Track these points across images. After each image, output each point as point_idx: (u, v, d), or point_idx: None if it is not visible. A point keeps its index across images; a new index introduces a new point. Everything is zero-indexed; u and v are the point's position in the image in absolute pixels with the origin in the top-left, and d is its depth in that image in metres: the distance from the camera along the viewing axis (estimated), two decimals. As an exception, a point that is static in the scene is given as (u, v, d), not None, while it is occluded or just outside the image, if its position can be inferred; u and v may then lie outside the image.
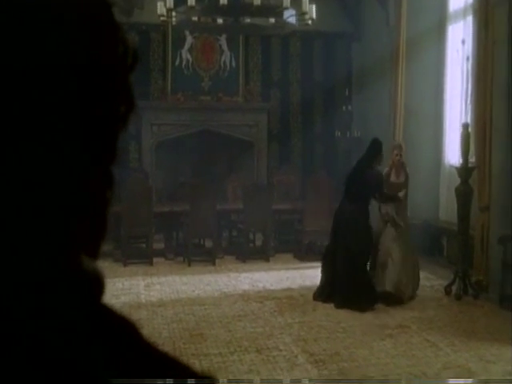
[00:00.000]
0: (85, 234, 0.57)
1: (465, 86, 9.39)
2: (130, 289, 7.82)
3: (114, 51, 0.58)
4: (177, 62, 11.51)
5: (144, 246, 9.68)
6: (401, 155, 7.78)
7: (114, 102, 0.58)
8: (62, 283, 0.55)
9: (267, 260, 9.61)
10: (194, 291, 7.94)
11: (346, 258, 7.08)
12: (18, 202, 0.53)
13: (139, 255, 9.44)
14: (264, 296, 7.66)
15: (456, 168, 8.01)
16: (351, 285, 7.01)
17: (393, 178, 7.76)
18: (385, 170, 7.72)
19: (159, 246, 9.83)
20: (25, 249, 0.53)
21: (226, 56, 11.71)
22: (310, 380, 4.72)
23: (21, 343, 0.52)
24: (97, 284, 0.58)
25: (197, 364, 5.25)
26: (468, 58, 9.14)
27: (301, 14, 8.17)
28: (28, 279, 0.53)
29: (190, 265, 9.30)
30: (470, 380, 4.87)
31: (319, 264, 7.67)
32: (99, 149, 0.58)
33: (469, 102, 9.02)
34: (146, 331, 0.63)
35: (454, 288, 7.60)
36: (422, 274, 8.63)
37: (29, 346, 0.52)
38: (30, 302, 0.53)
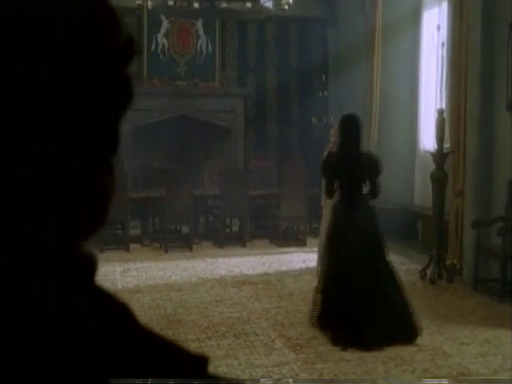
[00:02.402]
0: (84, 220, 0.59)
1: (440, 71, 9.47)
2: (106, 275, 7.79)
3: (114, 42, 0.58)
4: (152, 47, 11.41)
5: (120, 232, 9.64)
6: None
7: (114, 92, 0.59)
8: (57, 264, 0.56)
9: (244, 245, 9.64)
10: (170, 277, 7.94)
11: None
12: (18, 191, 0.54)
13: (115, 241, 9.39)
14: (241, 281, 7.68)
15: (431, 154, 8.08)
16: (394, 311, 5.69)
17: None
18: (324, 153, 7.17)
19: (135, 232, 9.80)
20: (24, 233, 0.55)
21: (203, 41, 11.64)
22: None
23: (19, 322, 0.53)
24: (91, 265, 0.59)
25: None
26: (443, 44, 9.21)
27: (277, -1, 8.15)
28: (27, 260, 0.55)
29: (167, 251, 9.29)
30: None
31: (295, 249, 7.67)
32: (99, 139, 0.58)
33: (444, 87, 9.10)
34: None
35: (428, 272, 7.70)
36: (397, 258, 8.67)
37: (25, 324, 0.53)
38: (29, 280, 0.54)
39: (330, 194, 6.07)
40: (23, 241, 0.55)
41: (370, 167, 5.90)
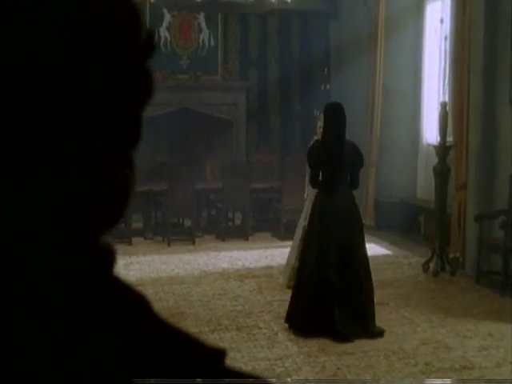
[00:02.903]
0: (104, 212, 0.59)
1: (443, 65, 9.45)
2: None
3: (136, 38, 0.59)
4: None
5: (122, 225, 9.64)
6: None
7: (135, 87, 0.59)
8: (76, 256, 0.57)
9: (246, 239, 9.64)
10: (173, 270, 7.95)
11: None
12: (37, 183, 0.55)
13: (118, 235, 9.36)
14: (243, 274, 7.69)
15: (434, 147, 8.08)
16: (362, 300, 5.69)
17: None
18: (310, 144, 6.93)
19: (138, 225, 9.80)
20: (43, 227, 0.55)
21: (205, 34, 11.62)
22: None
23: (38, 311, 0.54)
24: (109, 257, 0.60)
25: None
26: (446, 38, 9.19)
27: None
28: (46, 254, 0.55)
29: (169, 244, 9.30)
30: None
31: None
32: (119, 133, 0.59)
33: (446, 81, 9.09)
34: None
35: (431, 265, 7.70)
36: (400, 252, 8.74)
37: (44, 316, 0.54)
38: (48, 272, 0.55)
39: (314, 184, 5.99)
40: (41, 234, 0.55)
41: (354, 157, 5.83)
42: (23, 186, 0.54)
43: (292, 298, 5.79)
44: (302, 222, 6.87)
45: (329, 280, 5.55)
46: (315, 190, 6.12)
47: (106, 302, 0.57)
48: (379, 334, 5.60)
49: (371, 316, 5.68)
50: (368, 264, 5.81)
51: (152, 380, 0.57)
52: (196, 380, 0.59)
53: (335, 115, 5.84)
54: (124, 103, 0.58)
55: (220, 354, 0.63)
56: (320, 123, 6.96)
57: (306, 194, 7.21)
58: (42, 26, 0.54)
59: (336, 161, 5.73)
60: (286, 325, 5.79)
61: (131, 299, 0.60)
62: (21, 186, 0.54)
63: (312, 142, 6.85)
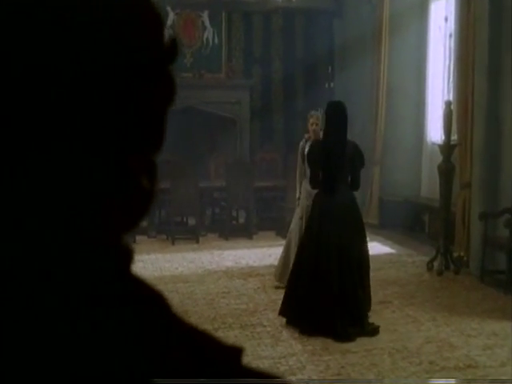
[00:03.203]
0: (126, 213, 0.60)
1: (447, 63, 9.43)
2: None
3: (160, 43, 0.60)
4: (158, 39, 11.39)
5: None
6: (316, 125, 6.86)
7: (157, 91, 0.61)
8: (101, 255, 0.58)
9: (250, 237, 9.64)
10: (177, 268, 7.96)
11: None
12: (60, 186, 0.56)
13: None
14: (247, 273, 7.69)
15: (438, 145, 8.07)
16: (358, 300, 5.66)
17: None
18: (300, 144, 7.07)
19: (142, 223, 9.77)
20: (64, 227, 0.56)
21: (209, 32, 11.62)
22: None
23: (57, 305, 0.55)
24: (128, 255, 0.61)
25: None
26: (450, 36, 9.17)
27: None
28: (69, 253, 0.56)
29: (173, 243, 9.30)
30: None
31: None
32: (142, 137, 0.60)
33: (451, 79, 9.07)
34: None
35: (435, 264, 7.69)
36: (404, 251, 8.74)
37: (64, 309, 0.55)
38: (75, 270, 0.56)
39: (314, 184, 5.91)
40: (68, 233, 0.56)
41: (355, 157, 5.75)
42: (51, 187, 0.55)
43: (287, 294, 5.78)
44: (296, 225, 6.79)
45: (327, 281, 5.52)
46: (307, 189, 6.11)
47: (126, 300, 0.58)
48: (375, 330, 5.57)
49: (366, 315, 5.69)
50: (368, 265, 5.79)
51: (171, 380, 0.57)
52: (216, 380, 0.59)
53: (336, 114, 5.75)
54: (147, 106, 0.60)
55: (237, 351, 0.63)
56: (312, 120, 6.92)
57: (297, 194, 7.01)
58: (68, 28, 0.55)
59: (337, 160, 5.65)
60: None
61: (150, 297, 0.61)
62: (48, 186, 0.55)
63: (304, 141, 6.89)
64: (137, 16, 0.59)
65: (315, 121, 6.88)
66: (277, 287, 6.78)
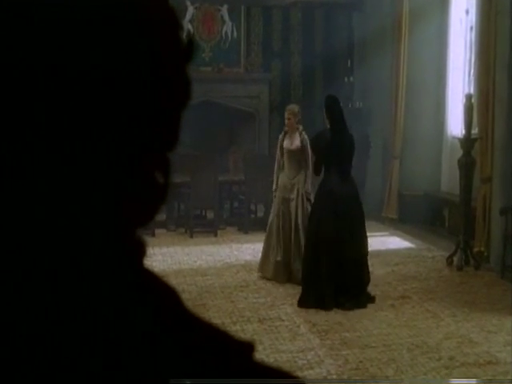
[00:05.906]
0: (140, 209, 0.61)
1: (468, 56, 9.34)
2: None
3: (177, 44, 0.61)
4: (177, 33, 11.40)
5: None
6: (289, 119, 7.05)
7: (173, 91, 0.61)
8: (116, 250, 0.59)
9: (268, 231, 9.62)
10: (196, 262, 7.97)
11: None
12: (76, 182, 0.56)
13: (141, 226, 9.42)
14: (266, 267, 7.67)
15: (458, 139, 8.00)
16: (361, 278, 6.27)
17: (286, 144, 7.08)
18: (280, 136, 7.19)
19: (161, 217, 9.82)
20: (79, 223, 0.57)
21: (228, 26, 11.60)
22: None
23: (70, 301, 0.55)
24: (140, 249, 0.61)
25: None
26: (471, 29, 9.08)
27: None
28: (83, 249, 0.57)
29: (192, 236, 9.32)
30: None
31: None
32: (157, 136, 0.61)
33: (472, 72, 8.98)
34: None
35: (455, 259, 7.63)
36: (423, 245, 8.68)
37: (78, 304, 0.55)
38: (92, 265, 0.57)
39: (318, 172, 6.49)
40: (79, 228, 0.57)
41: (352, 147, 6.37)
42: (67, 184, 0.56)
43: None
44: (275, 217, 7.06)
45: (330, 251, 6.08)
46: (284, 182, 6.87)
47: (138, 294, 0.59)
48: (369, 300, 6.14)
49: (362, 289, 6.21)
50: (367, 243, 6.37)
51: (187, 380, 0.58)
52: (232, 380, 0.60)
53: (337, 106, 6.47)
54: (162, 106, 0.60)
55: (249, 346, 0.63)
56: (287, 115, 7.18)
57: (274, 186, 7.22)
58: (84, 28, 0.55)
59: (342, 150, 6.24)
60: (309, 317, 5.81)
61: (160, 290, 0.61)
62: (65, 183, 0.56)
63: (283, 133, 7.19)
64: (153, 16, 0.59)
65: (288, 115, 7.16)
66: (261, 278, 7.09)
